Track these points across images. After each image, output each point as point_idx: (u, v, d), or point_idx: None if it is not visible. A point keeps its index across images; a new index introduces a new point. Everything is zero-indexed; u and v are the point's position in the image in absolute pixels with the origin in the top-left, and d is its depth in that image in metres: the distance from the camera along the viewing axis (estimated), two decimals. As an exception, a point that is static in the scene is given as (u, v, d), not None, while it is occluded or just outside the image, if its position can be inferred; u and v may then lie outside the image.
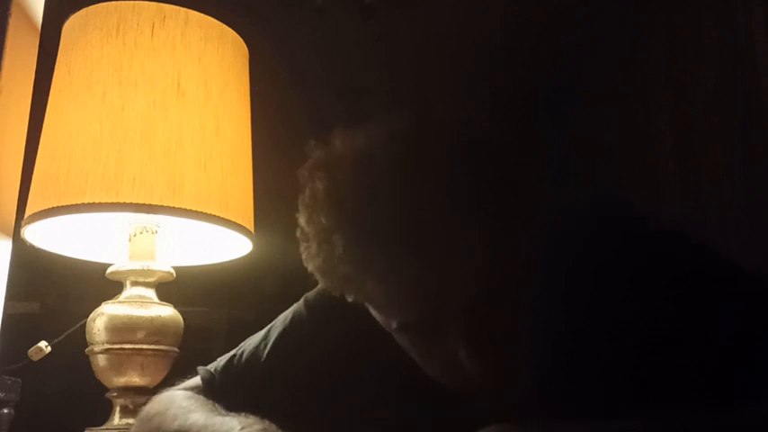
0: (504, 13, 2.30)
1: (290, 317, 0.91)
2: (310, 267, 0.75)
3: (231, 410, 0.77)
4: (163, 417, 0.83)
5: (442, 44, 2.43)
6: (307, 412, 0.85)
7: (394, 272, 0.70)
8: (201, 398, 0.85)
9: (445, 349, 0.72)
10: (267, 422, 0.73)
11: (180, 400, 0.85)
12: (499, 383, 0.73)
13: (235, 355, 0.90)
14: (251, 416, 0.74)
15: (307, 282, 0.79)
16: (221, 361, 0.91)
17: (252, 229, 1.22)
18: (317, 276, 0.76)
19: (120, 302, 1.18)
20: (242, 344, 0.92)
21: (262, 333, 0.92)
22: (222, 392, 0.86)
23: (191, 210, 1.12)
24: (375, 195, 0.69)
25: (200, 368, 0.91)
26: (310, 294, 0.91)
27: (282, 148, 1.50)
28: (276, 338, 0.89)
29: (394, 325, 0.75)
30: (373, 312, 0.77)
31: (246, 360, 0.89)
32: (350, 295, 0.77)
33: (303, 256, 0.75)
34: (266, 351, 0.89)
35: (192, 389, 0.89)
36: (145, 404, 1.18)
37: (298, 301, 0.92)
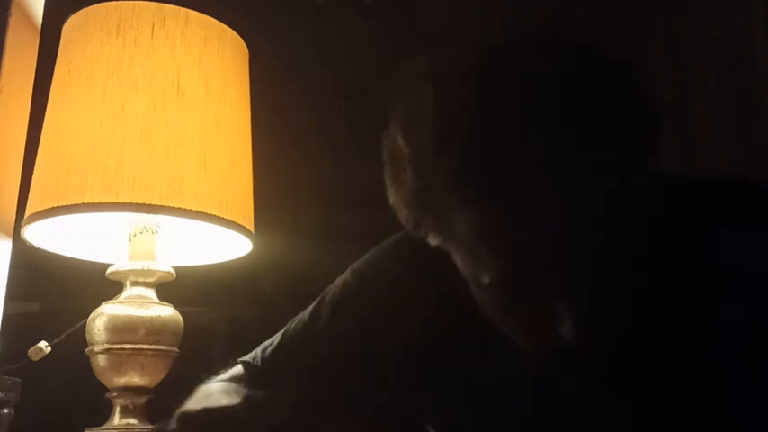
0: (504, 13, 2.30)
1: (337, 291, 0.83)
2: (395, 198, 0.66)
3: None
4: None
5: (442, 44, 2.42)
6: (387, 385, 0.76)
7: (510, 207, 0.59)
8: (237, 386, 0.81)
9: (543, 316, 0.62)
10: (290, 397, 0.69)
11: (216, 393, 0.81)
12: (601, 361, 0.64)
13: (278, 342, 0.85)
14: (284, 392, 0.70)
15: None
16: (266, 348, 0.86)
17: (252, 229, 1.22)
18: (401, 209, 0.66)
19: (120, 302, 1.18)
20: (275, 336, 0.86)
21: (305, 314, 0.85)
22: (271, 376, 0.82)
23: (191, 210, 1.12)
24: (498, 116, 0.59)
25: (239, 360, 0.87)
26: (356, 265, 0.84)
27: (282, 148, 1.50)
28: (330, 311, 0.81)
29: (486, 279, 0.63)
30: (461, 263, 0.65)
31: (299, 340, 0.83)
32: (437, 237, 0.65)
33: (388, 183, 0.66)
34: (321, 324, 0.81)
35: (229, 380, 0.85)
36: (145, 404, 1.18)
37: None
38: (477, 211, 0.61)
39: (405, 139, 0.63)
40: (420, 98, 0.63)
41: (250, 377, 0.84)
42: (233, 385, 0.83)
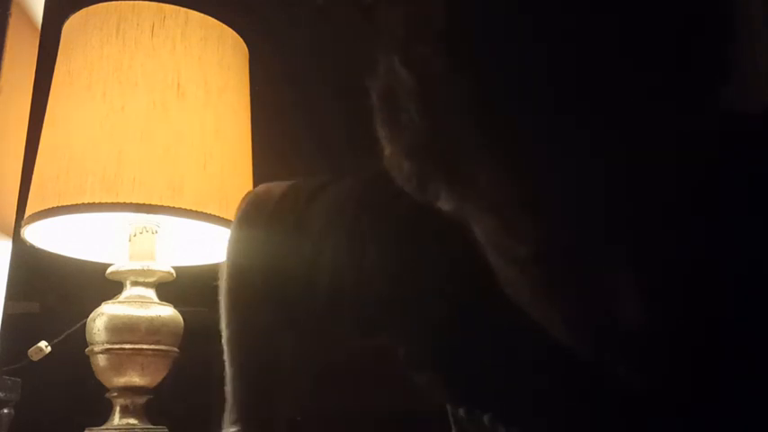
0: None
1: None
2: (392, 148, 0.49)
3: None
4: None
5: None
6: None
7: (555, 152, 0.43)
8: None
9: (598, 294, 0.47)
10: None
11: None
12: (665, 345, 0.49)
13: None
14: None
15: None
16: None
17: (252, 229, 1.22)
18: (400, 162, 0.49)
19: (120, 302, 1.18)
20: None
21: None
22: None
23: (191, 210, 1.12)
24: (533, 29, 0.43)
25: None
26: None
27: (282, 149, 1.50)
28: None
29: (523, 252, 0.47)
30: (484, 232, 0.49)
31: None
32: (450, 198, 0.48)
33: (383, 133, 0.50)
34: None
35: None
36: (145, 404, 1.18)
37: None
38: (511, 155, 0.44)
39: (405, 63, 0.47)
40: (424, 4, 0.47)
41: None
42: None
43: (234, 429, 0.72)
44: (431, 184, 0.49)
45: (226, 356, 0.76)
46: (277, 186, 0.73)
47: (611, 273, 0.47)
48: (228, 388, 0.75)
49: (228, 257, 0.76)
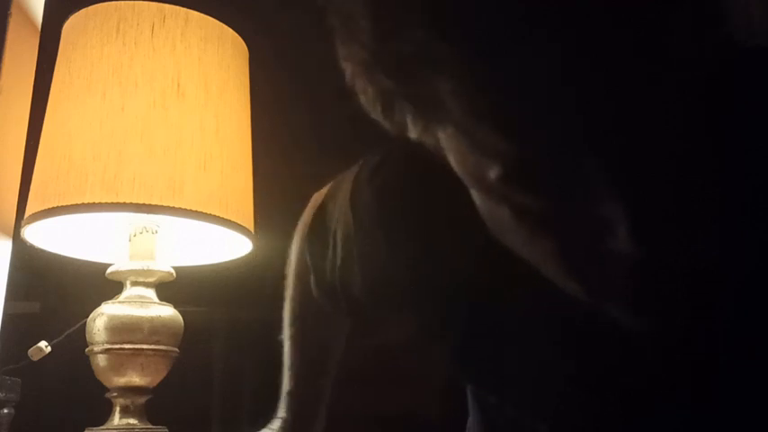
0: None
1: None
2: (353, 68, 0.46)
3: None
4: None
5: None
6: None
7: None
8: None
9: (582, 224, 0.42)
10: None
11: None
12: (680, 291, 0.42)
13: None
14: None
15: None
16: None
17: (252, 229, 1.22)
18: (363, 85, 0.46)
19: (120, 302, 1.18)
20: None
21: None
22: None
23: (191, 210, 1.12)
24: None
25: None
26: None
27: (282, 149, 1.50)
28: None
29: (493, 173, 0.42)
30: (456, 158, 0.44)
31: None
32: (417, 122, 0.45)
33: (344, 52, 0.47)
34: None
35: None
36: (145, 404, 1.18)
37: None
38: (471, 61, 0.40)
39: None
40: None
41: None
42: None
43: (282, 416, 0.81)
44: (396, 104, 0.45)
45: (286, 347, 0.83)
46: (319, 194, 0.79)
47: (595, 195, 0.41)
48: (285, 373, 0.82)
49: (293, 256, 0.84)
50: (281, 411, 0.84)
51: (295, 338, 0.84)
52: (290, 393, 0.83)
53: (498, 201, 0.44)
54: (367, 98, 0.47)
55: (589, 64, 0.40)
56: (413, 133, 0.46)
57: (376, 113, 0.47)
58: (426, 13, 0.41)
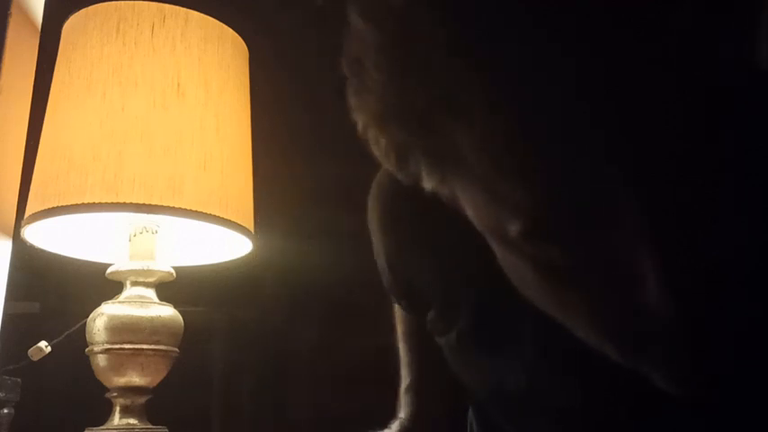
0: None
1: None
2: (365, 119, 0.44)
3: None
4: None
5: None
6: None
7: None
8: None
9: (616, 269, 0.39)
10: None
11: None
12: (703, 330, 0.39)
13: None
14: None
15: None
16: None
17: (252, 229, 1.22)
18: (376, 136, 0.44)
19: (120, 302, 1.18)
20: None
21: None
22: None
23: (191, 210, 1.12)
24: None
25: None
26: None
27: (282, 149, 1.50)
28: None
29: (515, 228, 0.39)
30: (474, 211, 0.43)
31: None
32: (433, 174, 0.43)
33: (355, 102, 0.45)
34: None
35: None
36: (145, 404, 1.19)
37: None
38: (491, 113, 0.38)
39: (362, 13, 0.42)
40: None
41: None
42: None
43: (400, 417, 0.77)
44: (410, 157, 0.44)
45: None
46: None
47: (625, 245, 0.37)
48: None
49: None
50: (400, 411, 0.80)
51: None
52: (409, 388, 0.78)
53: (520, 256, 0.42)
54: (380, 149, 0.46)
55: (615, 109, 0.38)
56: (428, 184, 0.44)
57: (389, 164, 0.46)
58: (442, 54, 0.40)
